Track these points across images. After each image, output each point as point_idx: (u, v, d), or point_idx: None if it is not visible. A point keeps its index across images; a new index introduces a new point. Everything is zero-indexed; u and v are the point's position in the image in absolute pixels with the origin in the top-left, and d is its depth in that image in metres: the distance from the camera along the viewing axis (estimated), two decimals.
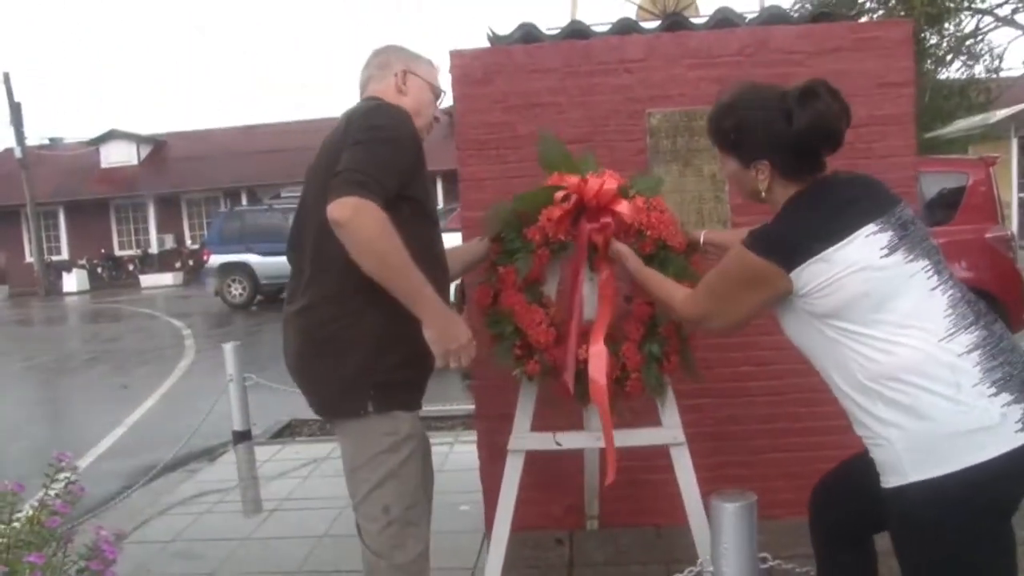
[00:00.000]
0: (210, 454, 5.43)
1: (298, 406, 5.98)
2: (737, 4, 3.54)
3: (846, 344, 1.69)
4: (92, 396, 8.65)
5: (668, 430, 2.61)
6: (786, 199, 1.82)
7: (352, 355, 2.00)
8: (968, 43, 18.58)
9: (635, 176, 2.65)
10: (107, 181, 28.79)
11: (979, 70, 19.83)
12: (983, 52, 19.63)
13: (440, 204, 15.04)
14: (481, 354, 2.19)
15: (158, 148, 30.34)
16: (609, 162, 3.17)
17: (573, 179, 2.47)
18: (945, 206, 6.64)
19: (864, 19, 12.70)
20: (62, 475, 2.40)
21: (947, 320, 1.63)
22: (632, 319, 2.53)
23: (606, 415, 2.47)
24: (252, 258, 16.26)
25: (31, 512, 2.32)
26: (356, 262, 1.87)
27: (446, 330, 1.98)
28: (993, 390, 1.58)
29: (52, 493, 2.37)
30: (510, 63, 3.37)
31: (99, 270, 27.13)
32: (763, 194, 1.85)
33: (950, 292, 1.66)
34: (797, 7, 13.85)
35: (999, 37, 30.96)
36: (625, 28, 3.49)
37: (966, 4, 17.02)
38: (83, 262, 27.04)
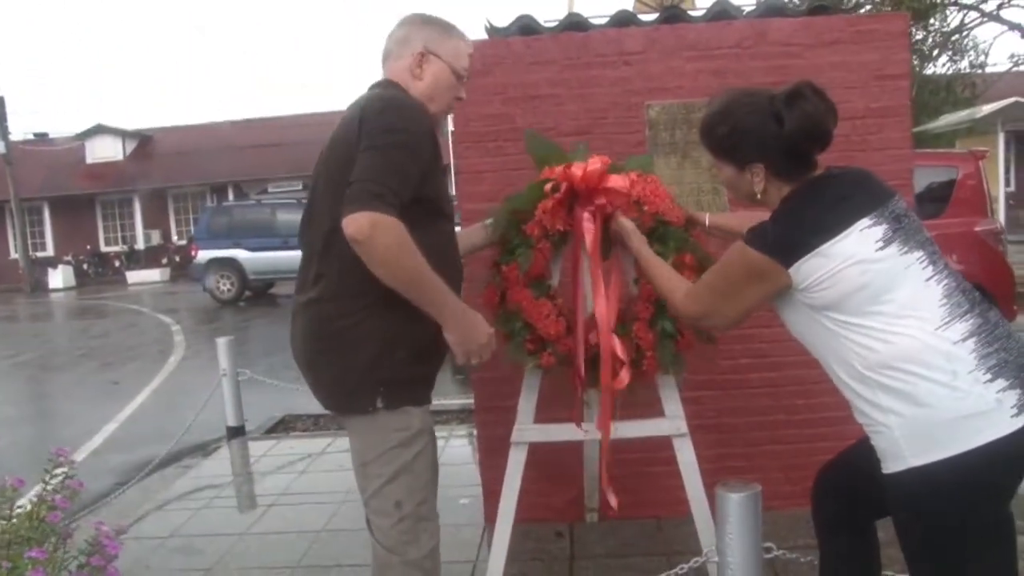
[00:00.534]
0: (204, 450, 5.40)
1: (291, 401, 6.06)
2: None
3: (845, 335, 1.73)
4: (82, 392, 8.59)
5: (671, 421, 2.62)
6: (781, 198, 1.86)
7: (360, 352, 1.97)
8: (954, 39, 18.72)
9: (627, 158, 2.67)
10: (93, 176, 28.51)
11: (964, 65, 20.01)
12: (969, 48, 19.81)
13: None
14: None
15: (144, 143, 30.06)
16: (608, 154, 3.17)
17: (559, 168, 2.48)
18: (935, 200, 6.69)
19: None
20: (59, 470, 2.38)
21: (942, 309, 1.67)
22: (641, 299, 2.53)
23: (606, 418, 2.47)
24: (240, 253, 16.21)
25: (29, 507, 2.30)
26: (373, 273, 1.85)
27: (467, 333, 2.01)
28: (988, 376, 1.62)
29: (50, 488, 2.36)
30: (509, 55, 3.37)
31: (85, 266, 26.91)
32: (759, 196, 1.89)
33: (945, 282, 1.71)
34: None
35: (984, 33, 31.19)
36: (623, 20, 3.49)
37: (952, 0, 17.13)
38: (69, 258, 26.80)
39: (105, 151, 29.24)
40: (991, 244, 6.60)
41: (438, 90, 2.12)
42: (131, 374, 9.19)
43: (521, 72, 3.35)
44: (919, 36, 16.76)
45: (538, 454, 2.73)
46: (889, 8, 13.84)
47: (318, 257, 2.01)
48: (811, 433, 3.43)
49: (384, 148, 1.87)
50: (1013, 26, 17.48)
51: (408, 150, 1.90)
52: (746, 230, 1.85)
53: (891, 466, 1.69)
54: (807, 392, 3.43)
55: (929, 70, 18.41)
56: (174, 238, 28.07)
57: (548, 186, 2.46)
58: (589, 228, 2.47)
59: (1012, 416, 1.60)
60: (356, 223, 1.79)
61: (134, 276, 25.22)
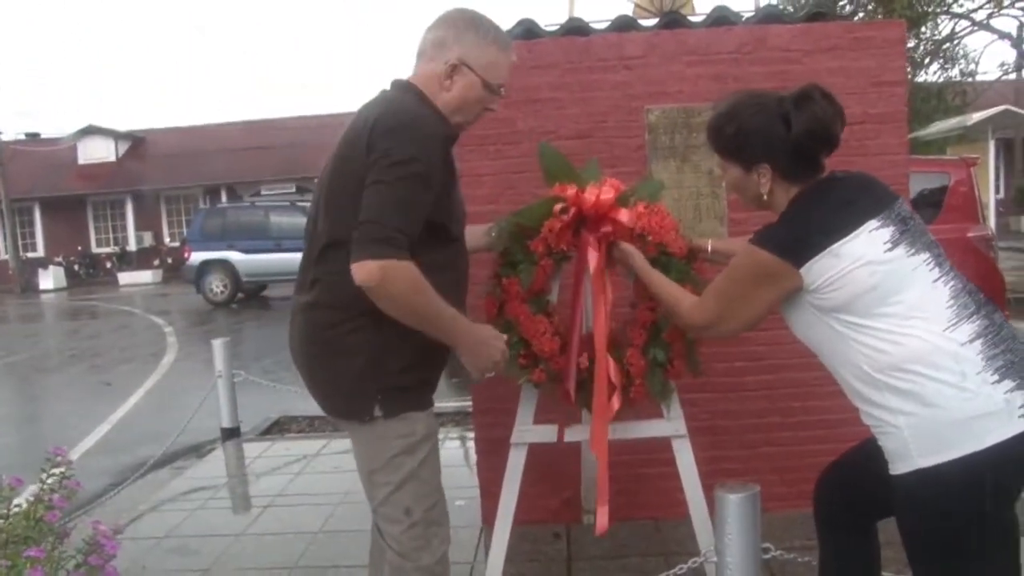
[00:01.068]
0: (198, 451, 5.39)
1: (286, 403, 6.05)
2: (733, 3, 3.59)
3: (854, 337, 1.74)
4: (75, 394, 8.55)
5: (670, 422, 2.63)
6: (788, 200, 1.87)
7: (354, 361, 1.94)
8: (945, 47, 18.87)
9: (636, 183, 2.67)
10: (85, 177, 28.42)
11: (955, 73, 20.17)
12: (959, 56, 19.97)
13: None
14: None
15: (136, 144, 29.96)
16: (608, 158, 3.21)
17: (571, 190, 2.47)
18: (927, 206, 6.72)
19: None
20: (56, 470, 2.38)
21: (949, 310, 1.69)
22: (636, 324, 2.53)
23: (602, 443, 2.48)
24: (233, 255, 16.16)
25: (26, 506, 2.29)
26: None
27: (480, 354, 2.02)
28: (996, 377, 1.63)
29: (47, 487, 2.35)
30: None
31: (76, 267, 26.80)
32: (765, 197, 1.90)
33: (951, 283, 1.73)
34: (781, 6, 13.95)
35: (975, 41, 31.48)
36: (624, 25, 3.51)
37: (943, 8, 17.26)
38: (60, 259, 26.70)
39: (97, 152, 29.14)
40: (983, 250, 6.63)
41: (467, 103, 2.02)
42: (124, 375, 9.16)
43: (522, 76, 3.36)
44: (911, 44, 16.87)
45: (536, 456, 2.73)
46: (882, 16, 13.93)
47: (314, 264, 1.99)
48: (806, 435, 3.45)
49: (393, 183, 1.80)
50: (1003, 35, 17.66)
51: (418, 181, 1.83)
52: (753, 233, 1.85)
53: (899, 467, 1.71)
54: (802, 395, 3.45)
55: (920, 78, 18.55)
56: (166, 240, 27.98)
57: (558, 207, 2.45)
58: (594, 256, 2.48)
59: (1020, 416, 1.62)
60: (365, 270, 1.77)
61: (125, 277, 25.11)
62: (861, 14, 14.96)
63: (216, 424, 5.49)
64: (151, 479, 4.77)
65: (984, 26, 17.98)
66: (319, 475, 4.62)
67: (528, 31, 3.50)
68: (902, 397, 1.67)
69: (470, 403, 3.79)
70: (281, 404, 6.27)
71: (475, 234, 2.60)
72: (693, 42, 3.37)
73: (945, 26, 18.13)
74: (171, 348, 10.89)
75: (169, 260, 25.71)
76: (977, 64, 19.28)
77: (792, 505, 3.29)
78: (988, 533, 1.66)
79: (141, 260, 26.85)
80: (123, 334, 13.24)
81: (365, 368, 1.93)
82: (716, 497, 2.12)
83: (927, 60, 18.51)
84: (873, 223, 1.73)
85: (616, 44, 3.38)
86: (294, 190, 19.84)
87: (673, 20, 3.53)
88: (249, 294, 16.92)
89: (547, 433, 2.68)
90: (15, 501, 2.29)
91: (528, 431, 2.67)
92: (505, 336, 2.13)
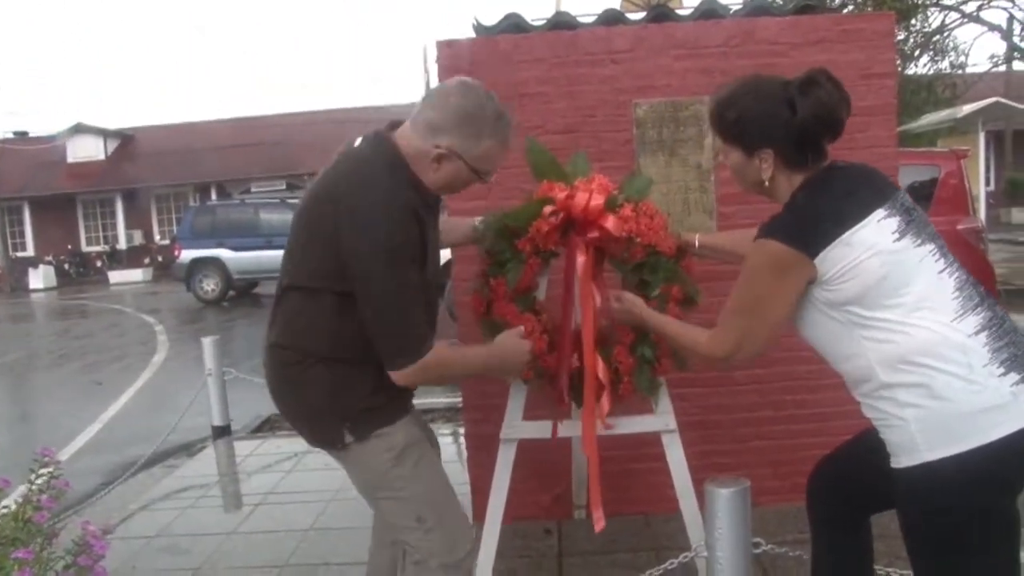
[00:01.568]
0: (189, 450, 5.37)
1: None
2: None
3: (862, 330, 1.71)
4: (66, 393, 8.51)
5: (660, 417, 2.62)
6: (791, 188, 1.83)
7: (317, 394, 2.00)
8: (935, 39, 18.90)
9: (624, 179, 2.65)
10: (74, 176, 28.22)
11: (945, 66, 20.21)
12: (949, 48, 20.00)
13: None
14: None
15: (126, 142, 29.77)
16: (596, 153, 3.20)
17: (561, 192, 2.44)
18: (918, 198, 6.70)
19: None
20: (45, 470, 2.36)
21: (955, 302, 1.67)
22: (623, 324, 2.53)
23: (591, 443, 2.48)
24: (224, 253, 16.09)
25: (14, 508, 2.28)
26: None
27: (510, 363, 2.20)
28: (1002, 370, 1.62)
29: (35, 488, 2.33)
30: (497, 53, 3.37)
31: (66, 266, 26.64)
32: (766, 183, 1.86)
33: (956, 275, 1.71)
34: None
35: (965, 34, 31.54)
36: (611, 19, 3.50)
37: (932, 1, 17.29)
38: (50, 258, 26.53)
39: (87, 150, 28.90)
40: (973, 243, 6.65)
41: (454, 185, 2.02)
42: (115, 374, 9.12)
43: (509, 70, 3.35)
44: (900, 36, 16.90)
45: (526, 452, 2.73)
46: (871, 8, 13.95)
47: (277, 302, 2.09)
48: (797, 429, 3.45)
49: (385, 277, 1.84)
50: (993, 27, 17.70)
51: (406, 262, 1.86)
52: (759, 228, 1.81)
53: (903, 460, 1.68)
54: (793, 388, 3.45)
55: (910, 70, 18.58)
56: (156, 238, 27.83)
57: (547, 209, 2.43)
58: (582, 260, 2.47)
59: None
60: (408, 379, 1.93)
61: (116, 276, 24.99)
62: (851, 6, 14.97)
63: (207, 422, 5.48)
64: (142, 478, 4.76)
65: (974, 18, 17.97)
66: (310, 473, 4.61)
67: (515, 25, 3.48)
68: (910, 390, 1.65)
69: (460, 399, 3.77)
70: (271, 402, 6.23)
71: (461, 227, 2.60)
72: (681, 36, 3.36)
73: (935, 18, 18.15)
74: (162, 347, 10.85)
75: (159, 258, 25.55)
76: (967, 56, 19.29)
77: (784, 499, 3.29)
78: (991, 527, 1.64)
79: (131, 259, 26.70)
80: (114, 333, 13.18)
81: (327, 400, 2.00)
82: (706, 492, 2.12)
83: (917, 52, 18.52)
84: (880, 212, 1.70)
85: (604, 38, 3.37)
86: (284, 187, 19.72)
87: (661, 14, 3.51)
88: (240, 292, 16.86)
89: (536, 429, 2.68)
90: (3, 502, 2.28)
91: (517, 427, 2.67)
92: (522, 328, 2.24)
